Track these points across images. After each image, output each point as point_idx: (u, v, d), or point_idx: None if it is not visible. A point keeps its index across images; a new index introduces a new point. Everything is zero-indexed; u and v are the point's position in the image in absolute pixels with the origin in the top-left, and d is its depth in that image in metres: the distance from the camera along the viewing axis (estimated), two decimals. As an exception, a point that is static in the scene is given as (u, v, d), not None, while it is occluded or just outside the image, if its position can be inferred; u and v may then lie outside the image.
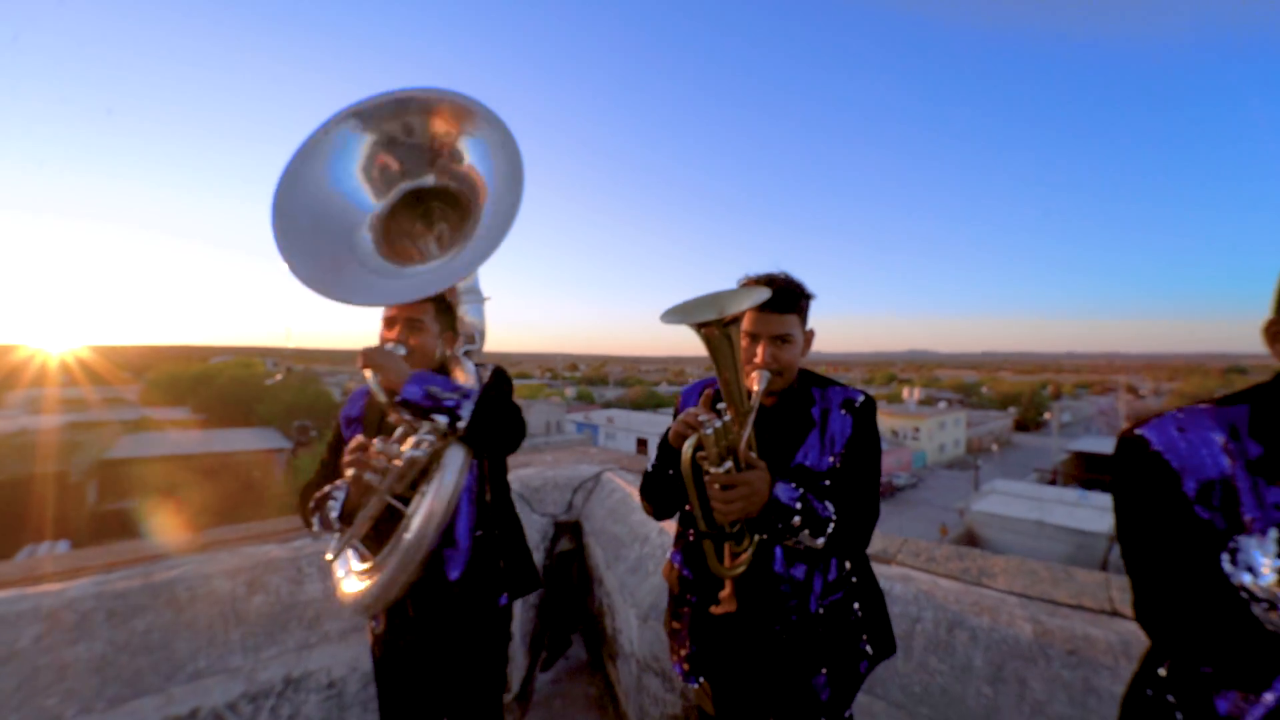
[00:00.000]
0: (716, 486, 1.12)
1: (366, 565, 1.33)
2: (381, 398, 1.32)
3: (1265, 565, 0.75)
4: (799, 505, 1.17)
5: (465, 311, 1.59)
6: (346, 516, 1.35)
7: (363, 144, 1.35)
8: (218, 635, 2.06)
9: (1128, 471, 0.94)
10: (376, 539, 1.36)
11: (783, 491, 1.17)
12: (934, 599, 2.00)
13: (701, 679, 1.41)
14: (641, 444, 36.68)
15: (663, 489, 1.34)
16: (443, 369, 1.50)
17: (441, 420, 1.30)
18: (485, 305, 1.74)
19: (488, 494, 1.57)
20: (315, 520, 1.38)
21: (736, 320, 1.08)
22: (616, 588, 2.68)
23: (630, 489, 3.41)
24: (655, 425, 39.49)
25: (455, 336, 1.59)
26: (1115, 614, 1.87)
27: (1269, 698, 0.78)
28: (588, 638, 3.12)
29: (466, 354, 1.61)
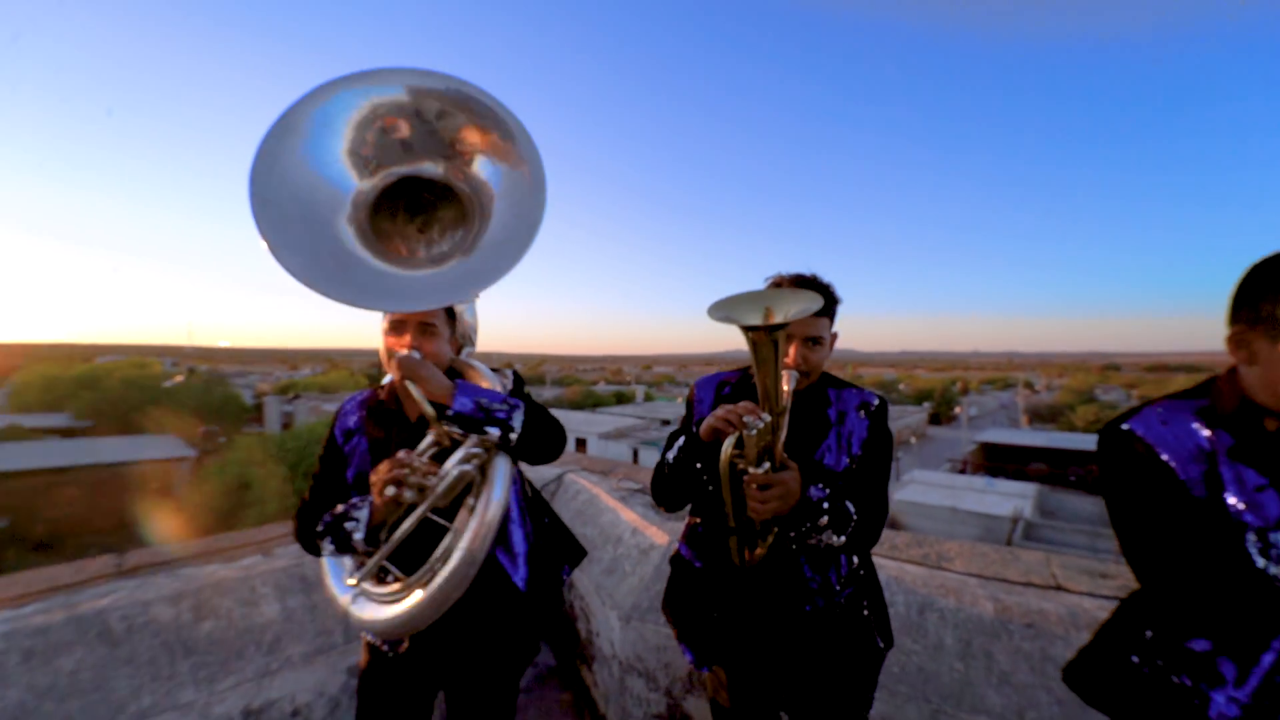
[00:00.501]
0: (754, 486, 1.15)
1: (395, 587, 1.24)
2: (427, 410, 1.23)
3: None
4: (827, 505, 1.21)
5: (463, 311, 1.53)
6: (372, 537, 1.26)
7: (364, 106, 1.15)
8: (163, 669, 1.86)
9: (1121, 463, 1.03)
10: (394, 557, 1.28)
11: (813, 491, 1.22)
12: (903, 584, 2.13)
13: (714, 666, 1.44)
14: (581, 444, 36.45)
15: (683, 482, 1.34)
16: (452, 374, 1.43)
17: (494, 433, 1.24)
18: (475, 304, 1.67)
19: (528, 490, 1.59)
20: (328, 544, 1.28)
21: (785, 328, 1.09)
22: (591, 590, 2.66)
23: (596, 490, 3.39)
24: (594, 425, 39.35)
25: (458, 340, 1.52)
26: (1060, 589, 2.07)
27: (1267, 659, 0.90)
28: (556, 643, 3.07)
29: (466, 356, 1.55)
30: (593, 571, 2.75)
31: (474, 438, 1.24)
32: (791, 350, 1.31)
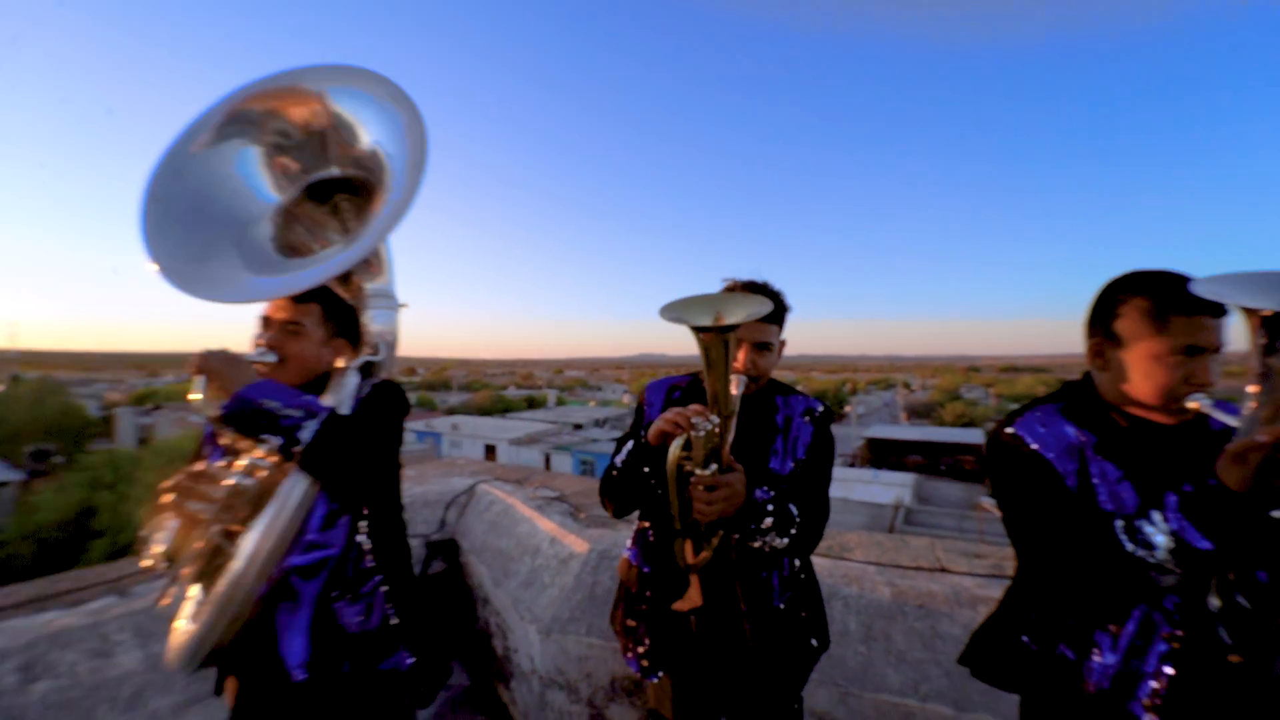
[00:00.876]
0: (701, 487, 1.15)
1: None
2: (208, 411, 1.12)
3: (1159, 540, 0.95)
4: (772, 507, 1.24)
5: (371, 318, 1.41)
6: (173, 555, 1.13)
7: (252, 152, 1.15)
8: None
9: (1010, 463, 1.15)
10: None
11: (759, 493, 1.25)
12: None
13: (661, 674, 1.43)
14: (490, 451, 35.23)
15: (632, 487, 1.32)
16: (318, 384, 1.31)
17: (274, 441, 1.11)
18: (399, 312, 1.54)
19: (363, 529, 1.30)
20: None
21: (736, 329, 1.11)
22: (508, 605, 2.56)
23: (511, 500, 3.29)
24: (505, 431, 38.22)
25: (354, 346, 1.40)
26: (944, 570, 2.29)
27: (1130, 627, 1.04)
28: (470, 663, 2.93)
29: (368, 366, 1.42)
30: (510, 585, 2.65)
31: (263, 447, 1.13)
32: (741, 355, 1.33)
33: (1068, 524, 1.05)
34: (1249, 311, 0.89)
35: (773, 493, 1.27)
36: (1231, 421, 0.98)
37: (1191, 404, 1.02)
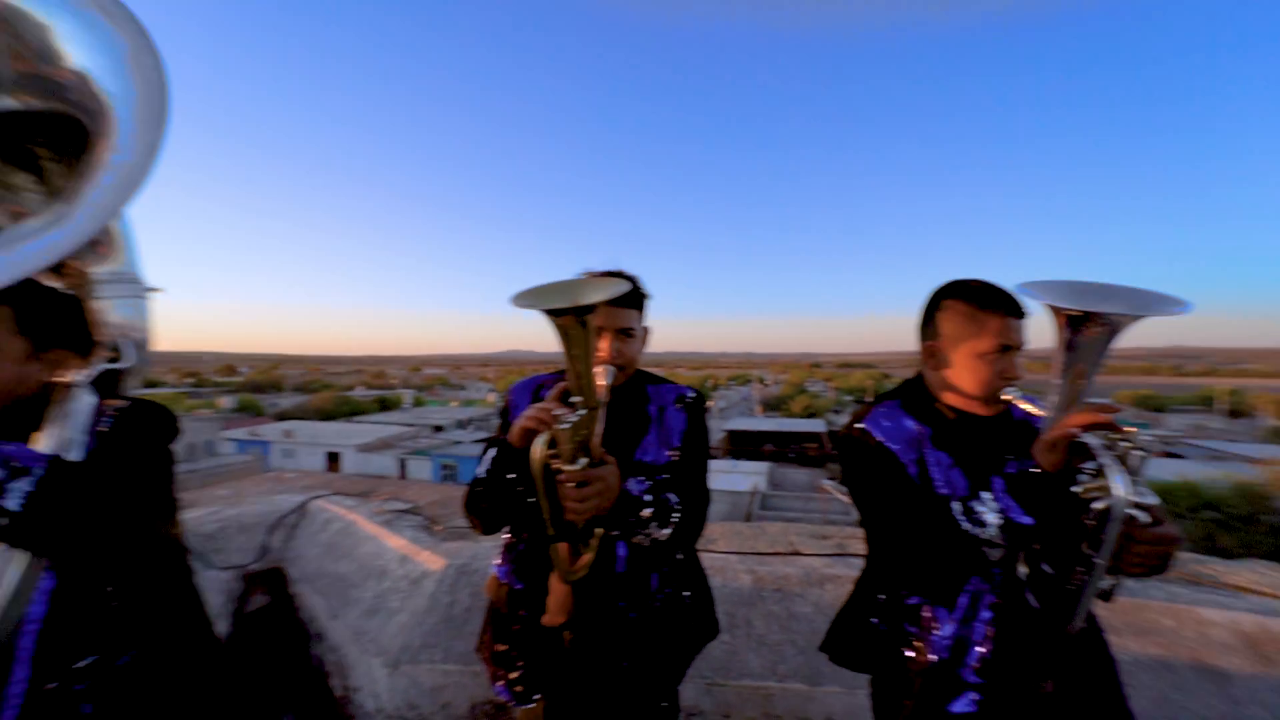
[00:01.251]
0: (571, 484, 1.06)
1: None
2: None
3: (990, 518, 1.04)
4: (649, 497, 1.19)
5: (110, 309, 1.07)
6: None
7: None
8: None
9: (861, 457, 1.22)
10: None
11: (633, 485, 1.18)
12: (679, 571, 2.28)
13: (537, 697, 1.31)
14: (333, 459, 31.72)
15: (499, 498, 1.18)
16: (37, 405, 0.97)
17: None
18: (149, 299, 1.21)
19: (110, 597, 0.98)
20: None
21: (593, 310, 1.02)
22: (349, 639, 2.25)
23: (352, 516, 2.91)
24: (351, 436, 34.67)
25: (84, 353, 1.06)
26: (797, 553, 2.45)
27: (963, 600, 1.13)
28: (304, 709, 2.53)
29: (109, 378, 1.09)
30: (350, 616, 2.33)
31: None
32: (604, 343, 1.28)
33: (912, 508, 1.14)
34: (1056, 311, 1.02)
35: (650, 483, 1.23)
36: (1034, 410, 1.11)
37: (1005, 396, 1.16)
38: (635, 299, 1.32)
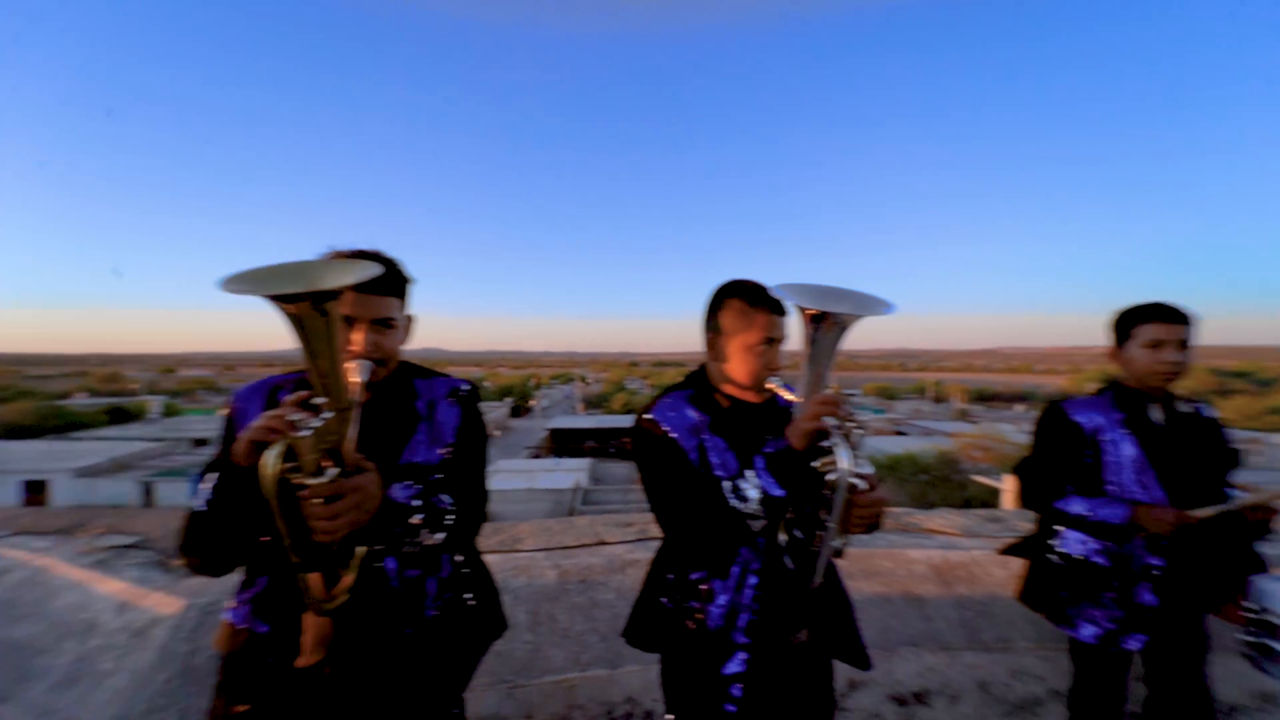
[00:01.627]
0: (318, 500, 0.91)
1: None
2: None
3: (751, 494, 1.15)
4: (418, 502, 1.08)
5: None
6: None
7: None
8: None
9: (648, 445, 1.29)
10: None
11: (398, 491, 1.07)
12: (482, 576, 2.18)
13: None
14: (35, 489, 24.19)
15: (226, 528, 0.96)
16: None
17: None
18: None
19: None
20: None
21: (336, 297, 0.87)
22: (30, 721, 1.71)
23: (44, 560, 2.23)
24: (63, 457, 26.76)
25: None
26: (603, 543, 2.52)
27: (735, 570, 1.25)
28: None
29: None
30: (35, 691, 1.77)
31: None
32: (356, 335, 1.13)
33: (690, 490, 1.23)
34: (802, 310, 1.18)
35: (419, 487, 1.14)
36: (790, 396, 1.28)
37: (770, 385, 1.32)
38: (394, 284, 1.19)
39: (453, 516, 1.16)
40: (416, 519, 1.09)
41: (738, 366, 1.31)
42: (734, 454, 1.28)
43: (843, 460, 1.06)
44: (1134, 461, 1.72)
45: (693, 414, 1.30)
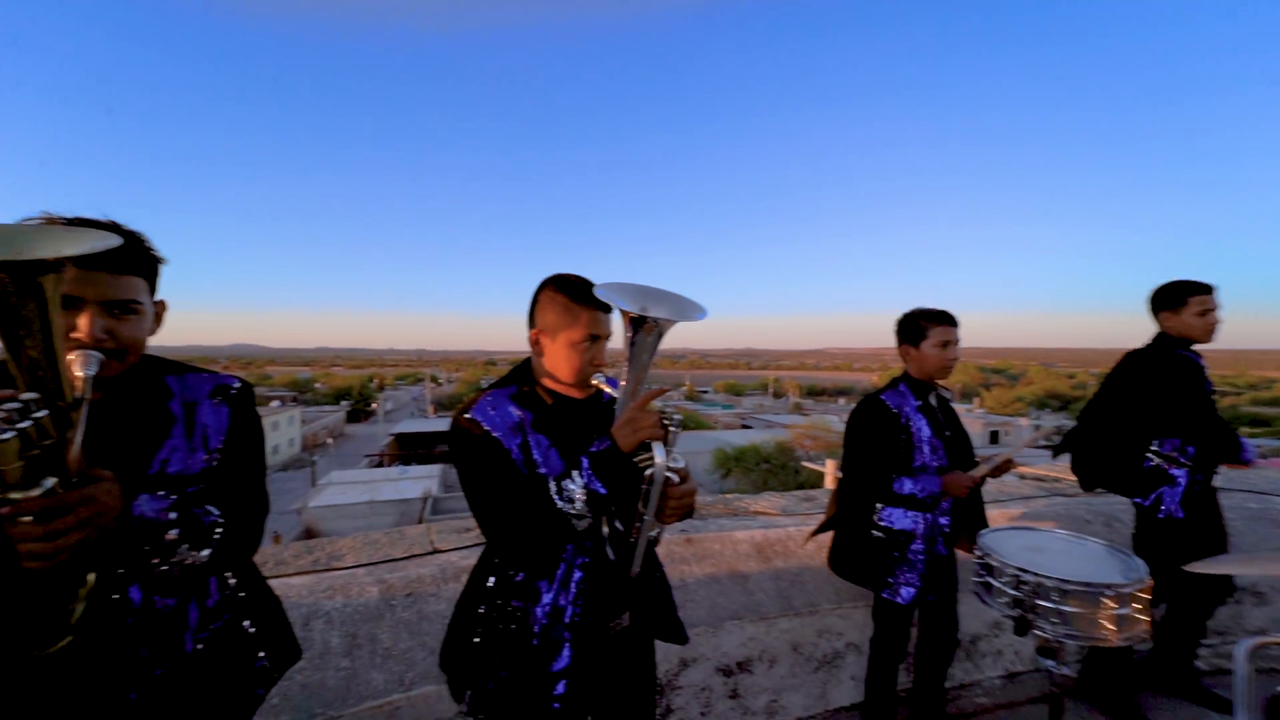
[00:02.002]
0: (28, 519, 0.74)
1: None
2: None
3: (577, 494, 1.13)
4: (174, 515, 0.93)
5: None
6: None
7: None
8: None
9: (467, 443, 1.22)
10: None
11: (147, 504, 0.91)
12: (288, 600, 1.92)
13: None
14: None
15: None
16: None
17: None
18: None
19: None
20: None
21: (47, 270, 0.68)
22: None
23: None
24: None
25: None
26: (436, 551, 2.36)
27: (560, 570, 1.22)
28: None
29: None
30: None
31: None
32: (83, 320, 0.93)
33: (512, 490, 1.19)
34: (623, 311, 1.20)
35: (175, 497, 0.98)
36: (614, 393, 1.30)
37: (594, 381, 1.32)
38: (138, 262, 1.01)
39: (222, 529, 1.01)
40: (172, 534, 0.93)
41: (561, 363, 1.30)
42: (558, 451, 1.27)
43: (659, 457, 1.10)
44: (928, 438, 2.08)
45: (515, 411, 1.27)
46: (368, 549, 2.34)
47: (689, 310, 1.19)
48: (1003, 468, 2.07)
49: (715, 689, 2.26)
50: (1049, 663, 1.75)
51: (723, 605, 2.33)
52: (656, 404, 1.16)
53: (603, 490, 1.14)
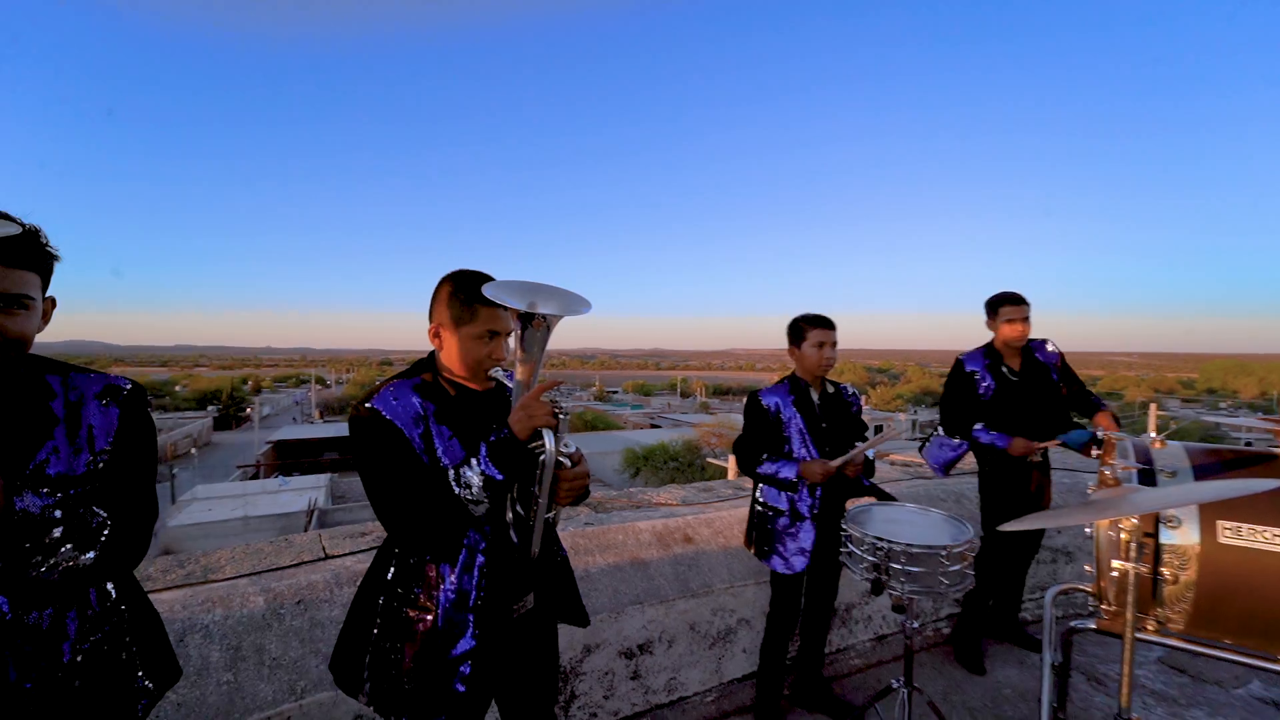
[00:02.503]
0: None
1: None
2: None
3: (474, 480, 1.17)
4: (60, 513, 0.91)
5: None
6: None
7: None
8: None
9: (369, 433, 1.23)
10: None
11: (30, 499, 0.90)
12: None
13: None
14: None
15: None
16: None
17: None
18: None
19: None
20: None
21: None
22: None
23: None
24: None
25: None
26: (328, 557, 2.27)
27: (462, 555, 1.25)
28: None
29: None
30: None
31: None
32: None
33: (412, 479, 1.22)
34: (512, 309, 1.26)
35: (58, 496, 0.96)
36: (510, 384, 1.36)
37: (493, 374, 1.37)
38: (35, 257, 0.99)
39: (109, 530, 0.97)
40: (57, 533, 0.91)
41: (460, 357, 1.35)
42: (459, 441, 1.31)
43: (549, 443, 1.18)
44: (800, 430, 2.32)
45: (417, 402, 1.29)
46: (250, 559, 2.19)
47: (575, 305, 1.28)
48: (858, 460, 2.33)
49: (618, 672, 2.37)
50: (902, 617, 2.05)
51: (624, 591, 2.45)
52: (550, 395, 1.24)
53: (499, 476, 1.20)
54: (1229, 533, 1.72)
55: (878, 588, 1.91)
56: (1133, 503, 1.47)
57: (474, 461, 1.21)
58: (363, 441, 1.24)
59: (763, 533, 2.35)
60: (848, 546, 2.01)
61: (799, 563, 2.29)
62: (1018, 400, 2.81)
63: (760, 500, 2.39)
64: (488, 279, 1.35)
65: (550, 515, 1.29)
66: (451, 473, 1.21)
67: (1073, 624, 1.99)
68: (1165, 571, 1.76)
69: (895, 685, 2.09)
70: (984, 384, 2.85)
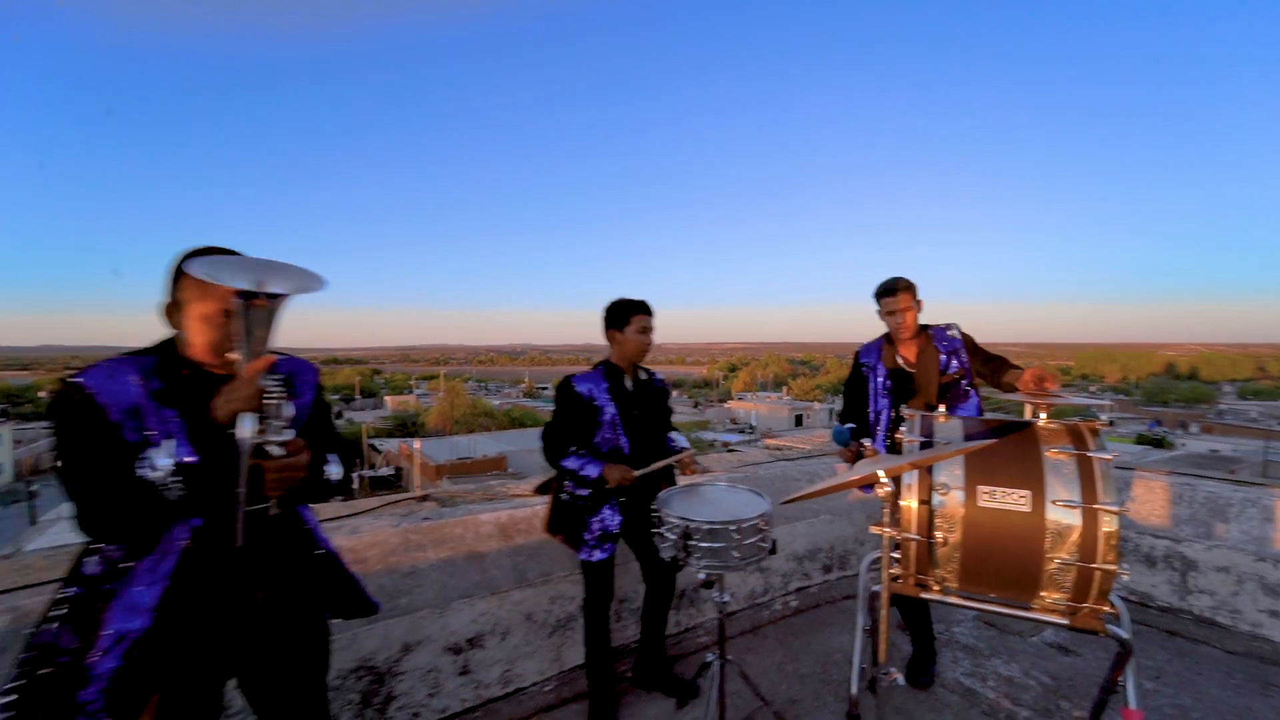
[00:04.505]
0: None
1: None
2: None
3: (163, 462, 1.11)
4: None
5: None
6: None
7: None
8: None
9: (65, 410, 1.15)
10: None
11: None
12: None
13: None
14: None
15: None
16: None
17: None
18: None
19: None
20: None
21: None
22: None
23: None
24: None
25: None
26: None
27: (180, 539, 1.18)
28: None
29: None
30: None
31: None
32: None
33: (96, 457, 1.14)
34: (231, 287, 1.18)
35: None
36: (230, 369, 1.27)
37: (231, 355, 1.28)
38: None
39: None
40: None
41: (196, 337, 1.27)
42: (184, 423, 1.22)
43: (245, 429, 1.12)
44: (612, 419, 2.32)
45: (135, 380, 1.20)
46: (13, 576, 1.95)
47: (309, 282, 1.22)
48: (685, 462, 2.33)
49: (444, 668, 2.31)
50: (712, 592, 2.12)
51: (453, 586, 2.39)
52: (272, 379, 1.17)
53: (194, 459, 1.13)
54: (986, 497, 1.90)
55: (675, 564, 1.96)
56: (856, 471, 1.59)
57: (167, 443, 1.14)
58: (55, 415, 1.17)
59: (570, 523, 2.32)
60: (657, 528, 2.06)
61: (602, 552, 2.28)
62: (909, 390, 2.76)
63: (567, 490, 2.34)
64: (229, 254, 1.26)
65: (267, 506, 1.22)
66: (145, 455, 1.13)
67: (873, 589, 2.14)
68: (938, 535, 1.92)
69: (710, 659, 2.16)
70: (878, 376, 2.74)
